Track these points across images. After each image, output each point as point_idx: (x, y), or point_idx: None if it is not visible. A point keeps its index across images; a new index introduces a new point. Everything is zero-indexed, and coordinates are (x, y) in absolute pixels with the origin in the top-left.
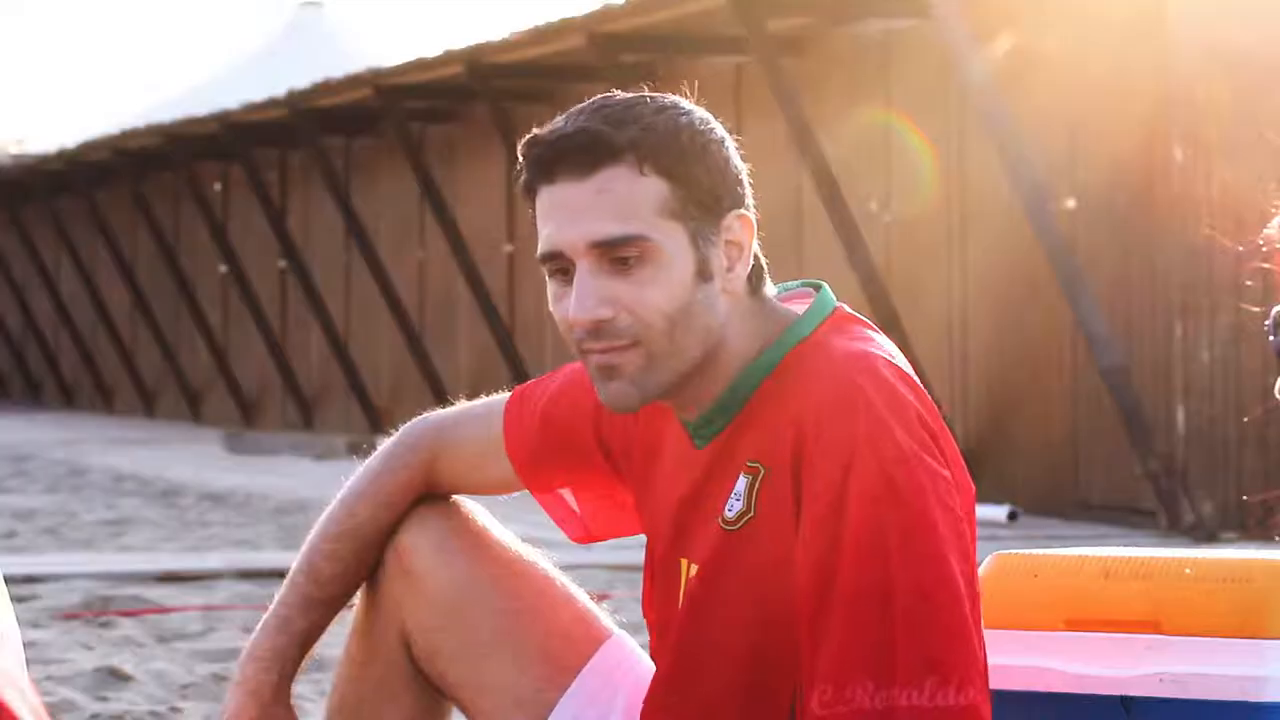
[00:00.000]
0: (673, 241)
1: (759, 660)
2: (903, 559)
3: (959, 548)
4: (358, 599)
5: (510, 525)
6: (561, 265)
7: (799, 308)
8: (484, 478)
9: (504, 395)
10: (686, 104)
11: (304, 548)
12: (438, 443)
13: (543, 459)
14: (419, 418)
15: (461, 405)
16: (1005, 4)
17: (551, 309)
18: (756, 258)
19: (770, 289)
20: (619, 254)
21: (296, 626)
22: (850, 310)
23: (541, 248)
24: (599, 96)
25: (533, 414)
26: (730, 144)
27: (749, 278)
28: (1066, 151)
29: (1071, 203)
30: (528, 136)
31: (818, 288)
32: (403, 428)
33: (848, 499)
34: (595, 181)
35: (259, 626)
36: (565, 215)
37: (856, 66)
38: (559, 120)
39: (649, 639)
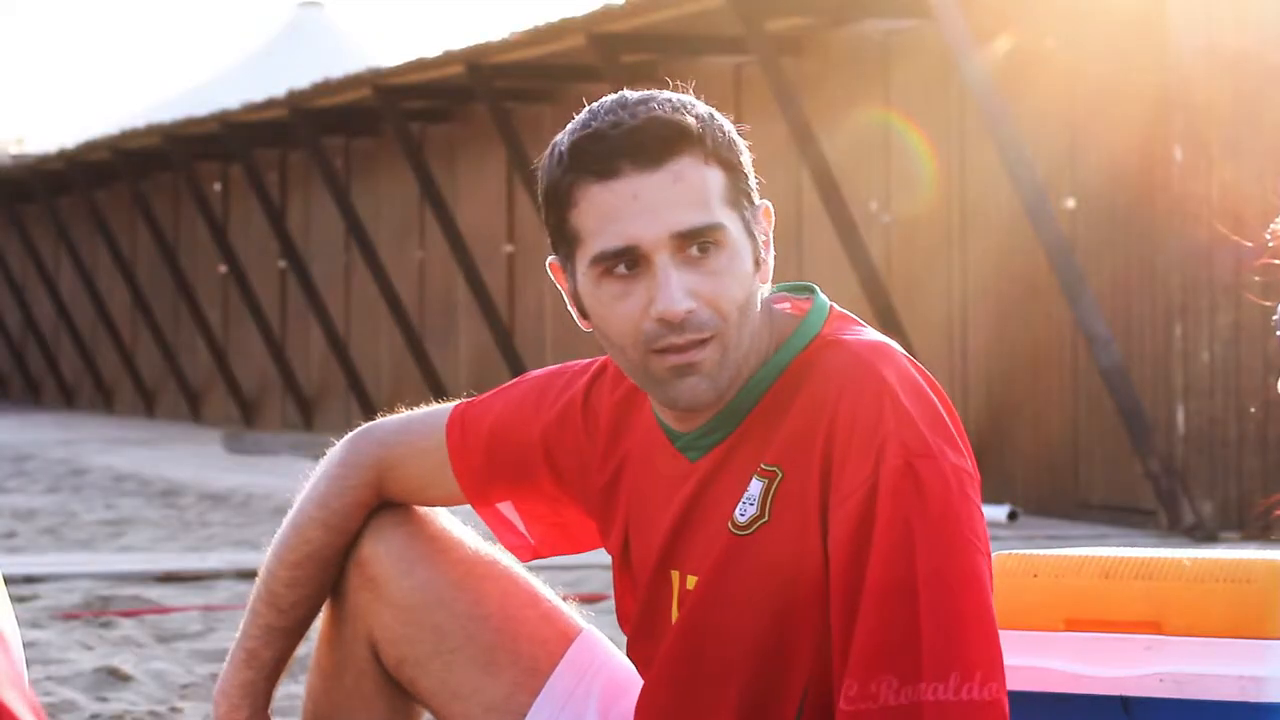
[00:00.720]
0: (737, 231)
1: (764, 664)
2: (927, 553)
3: (981, 540)
4: (323, 611)
5: (474, 525)
6: (632, 259)
7: (792, 310)
8: (433, 494)
9: (446, 408)
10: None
11: (261, 575)
12: (383, 460)
13: (489, 480)
14: (360, 430)
15: (403, 417)
16: (1005, 4)
17: (604, 312)
18: None
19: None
20: (701, 242)
21: (263, 658)
22: (840, 309)
23: (609, 243)
24: (620, 94)
25: (478, 435)
26: None
27: None
28: (1066, 151)
29: (1071, 203)
30: (580, 134)
31: (809, 289)
32: (344, 442)
33: (878, 495)
34: (669, 171)
35: (227, 660)
36: (640, 207)
37: (856, 66)
38: (601, 117)
39: (629, 650)
